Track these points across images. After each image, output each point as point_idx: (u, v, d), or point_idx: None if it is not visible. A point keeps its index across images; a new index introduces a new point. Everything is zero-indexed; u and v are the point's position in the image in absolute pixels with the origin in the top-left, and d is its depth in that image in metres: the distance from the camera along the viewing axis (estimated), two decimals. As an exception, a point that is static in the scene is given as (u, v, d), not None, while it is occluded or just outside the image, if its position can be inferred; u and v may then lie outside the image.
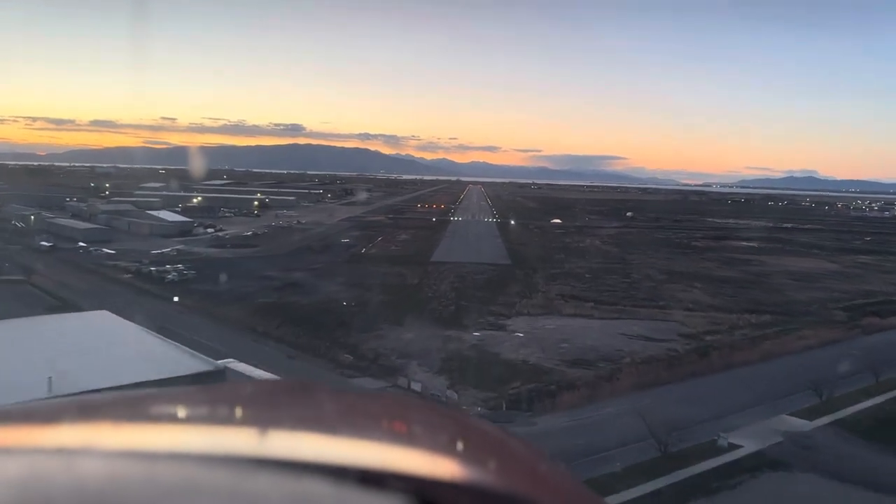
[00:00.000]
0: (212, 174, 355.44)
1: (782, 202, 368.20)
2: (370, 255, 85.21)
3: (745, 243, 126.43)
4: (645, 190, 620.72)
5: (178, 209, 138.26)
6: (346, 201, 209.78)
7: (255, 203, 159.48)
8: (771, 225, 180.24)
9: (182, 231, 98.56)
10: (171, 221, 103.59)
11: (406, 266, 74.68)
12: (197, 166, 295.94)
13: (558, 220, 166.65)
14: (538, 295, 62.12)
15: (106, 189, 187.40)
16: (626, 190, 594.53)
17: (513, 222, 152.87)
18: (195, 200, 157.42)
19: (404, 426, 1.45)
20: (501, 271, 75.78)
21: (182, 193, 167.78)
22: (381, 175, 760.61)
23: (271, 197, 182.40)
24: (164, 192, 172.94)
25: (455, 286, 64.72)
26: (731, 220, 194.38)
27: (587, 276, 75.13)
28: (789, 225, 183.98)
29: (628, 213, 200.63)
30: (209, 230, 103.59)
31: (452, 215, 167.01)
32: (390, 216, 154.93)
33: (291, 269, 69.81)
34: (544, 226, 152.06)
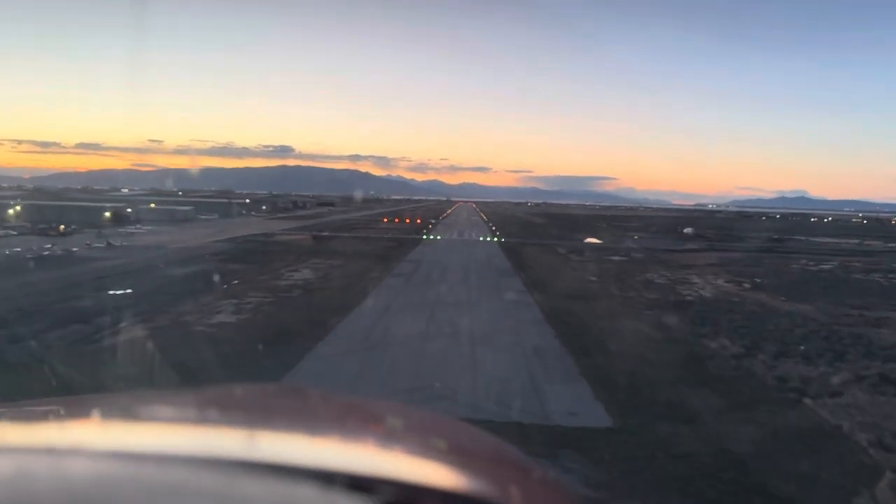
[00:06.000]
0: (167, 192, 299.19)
1: (825, 219, 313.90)
2: None
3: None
4: (652, 207, 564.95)
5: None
6: (280, 215, 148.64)
7: (106, 215, 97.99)
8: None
9: None
10: None
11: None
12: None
13: (595, 240, 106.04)
14: None
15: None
16: (634, 208, 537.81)
17: (528, 244, 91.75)
18: (10, 211, 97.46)
19: (395, 432, 1.40)
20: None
21: None
22: (371, 195, 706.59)
23: (154, 207, 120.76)
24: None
25: None
26: (839, 240, 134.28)
27: None
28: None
29: (686, 230, 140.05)
30: None
31: (428, 233, 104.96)
32: (324, 234, 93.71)
33: None
34: (581, 248, 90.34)
